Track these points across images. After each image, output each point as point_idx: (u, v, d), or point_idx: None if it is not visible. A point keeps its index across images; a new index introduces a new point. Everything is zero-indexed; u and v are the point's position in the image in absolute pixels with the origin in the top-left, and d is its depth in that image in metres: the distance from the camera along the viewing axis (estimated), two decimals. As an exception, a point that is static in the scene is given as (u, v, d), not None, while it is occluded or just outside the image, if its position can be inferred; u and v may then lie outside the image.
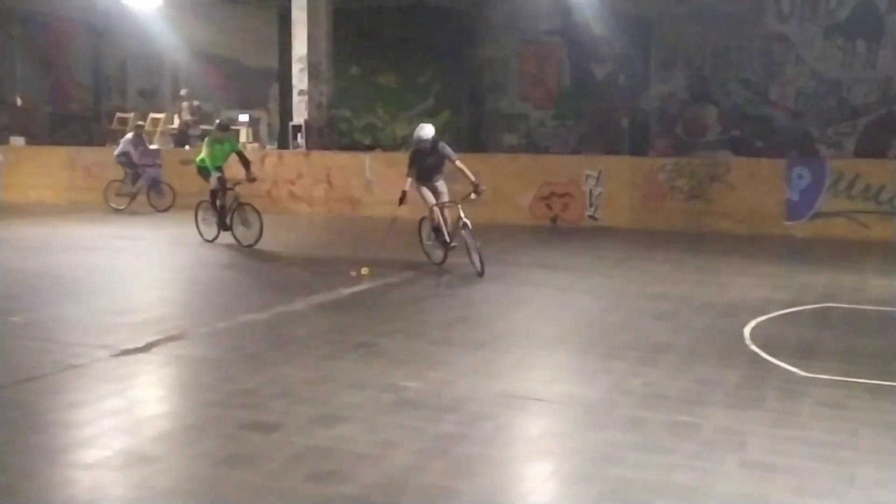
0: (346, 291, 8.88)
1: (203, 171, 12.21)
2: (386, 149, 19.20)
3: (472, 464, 4.40)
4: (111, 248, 12.08)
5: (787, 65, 17.13)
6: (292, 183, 16.43)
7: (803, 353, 6.47)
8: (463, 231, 9.57)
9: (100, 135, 21.90)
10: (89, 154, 18.80)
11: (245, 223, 11.80)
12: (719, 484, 4.16)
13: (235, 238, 11.92)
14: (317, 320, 7.74)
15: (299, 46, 16.81)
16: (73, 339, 6.81)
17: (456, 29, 19.64)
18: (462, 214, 9.59)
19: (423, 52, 19.99)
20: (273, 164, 16.56)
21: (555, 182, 14.90)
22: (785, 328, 7.34)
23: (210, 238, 12.21)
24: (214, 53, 21.96)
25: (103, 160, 18.42)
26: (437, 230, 9.97)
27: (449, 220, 9.91)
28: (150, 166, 16.72)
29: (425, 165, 9.88)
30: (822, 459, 4.45)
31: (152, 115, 20.98)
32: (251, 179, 12.04)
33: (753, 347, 6.66)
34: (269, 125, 21.51)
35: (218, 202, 12.03)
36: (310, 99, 16.78)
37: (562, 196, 14.85)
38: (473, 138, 19.65)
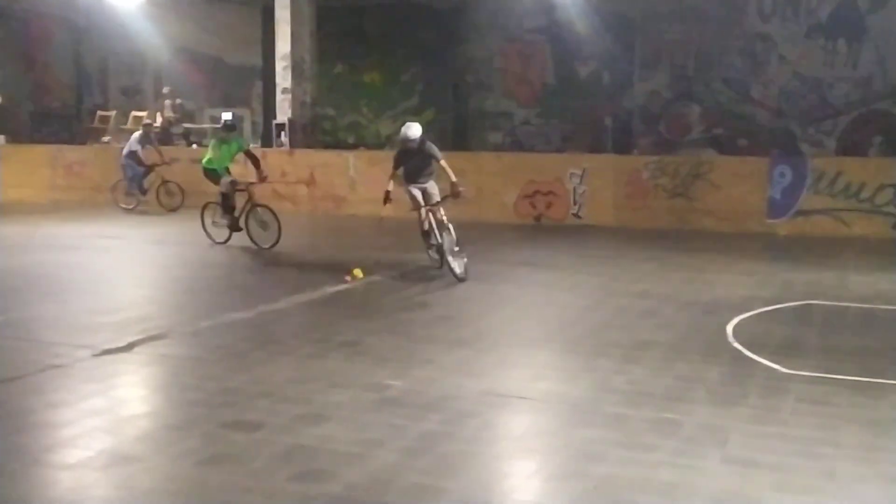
0: (331, 290, 8.86)
1: (210, 174, 11.77)
2: (370, 147, 19.19)
3: (457, 462, 4.41)
4: (93, 248, 11.99)
5: (769, 64, 17.24)
6: (276, 181, 16.35)
7: (785, 350, 6.51)
8: (443, 234, 9.32)
9: (81, 133, 21.74)
10: (71, 152, 18.67)
11: (262, 225, 11.35)
12: (702, 480, 4.19)
13: (253, 241, 11.43)
14: (301, 319, 7.72)
15: (283, 44, 16.75)
16: (54, 339, 6.76)
17: (440, 27, 19.63)
18: (443, 216, 9.40)
19: (408, 50, 19.97)
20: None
21: (539, 180, 14.93)
22: (767, 325, 7.39)
23: (221, 241, 11.78)
24: (197, 51, 21.84)
25: (85, 158, 18.34)
26: (425, 234, 9.63)
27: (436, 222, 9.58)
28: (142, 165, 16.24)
29: (412, 166, 9.59)
30: (803, 455, 4.48)
31: (134, 113, 20.83)
32: (262, 178, 11.66)
33: (736, 345, 6.70)
34: (253, 123, 21.43)
35: (229, 204, 11.64)
36: (294, 97, 16.73)
37: (546, 194, 14.88)
38: (458, 137, 19.65)
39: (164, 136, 19.52)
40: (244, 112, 21.31)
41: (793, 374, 5.91)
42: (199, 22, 21.24)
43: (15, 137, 20.40)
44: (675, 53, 17.94)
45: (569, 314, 7.95)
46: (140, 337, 6.77)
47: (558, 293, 8.92)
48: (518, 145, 19.24)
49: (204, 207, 12.11)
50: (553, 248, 12.16)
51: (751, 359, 6.30)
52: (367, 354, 6.40)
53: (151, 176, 16.25)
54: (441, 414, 5.07)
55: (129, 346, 6.52)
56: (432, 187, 9.73)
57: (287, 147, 16.58)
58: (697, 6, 17.51)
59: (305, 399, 5.32)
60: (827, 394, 5.50)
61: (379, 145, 19.59)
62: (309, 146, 16.85)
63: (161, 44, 21.36)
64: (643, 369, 6.04)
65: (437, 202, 9.58)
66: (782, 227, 13.49)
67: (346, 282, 9.11)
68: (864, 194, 13.16)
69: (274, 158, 16.51)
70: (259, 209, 11.47)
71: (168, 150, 17.17)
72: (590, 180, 14.61)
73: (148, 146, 16.30)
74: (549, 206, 14.86)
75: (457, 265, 9.25)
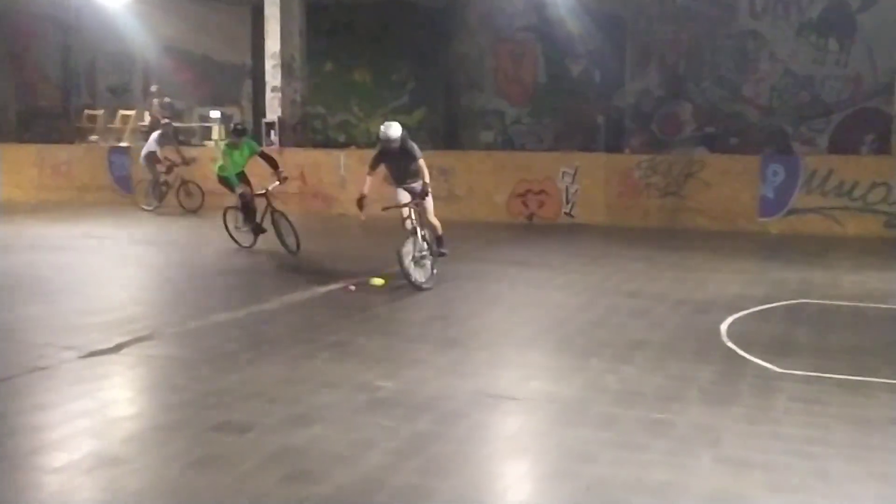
0: (321, 290, 8.81)
1: (225, 181, 11.28)
2: (360, 146, 19.13)
3: (448, 463, 4.37)
4: (80, 248, 11.91)
5: (760, 62, 17.27)
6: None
7: (777, 349, 6.50)
8: (410, 238, 8.78)
9: (69, 132, 21.63)
10: (58, 152, 18.56)
11: (286, 231, 10.97)
12: (694, 480, 4.17)
13: (285, 246, 10.94)
14: (290, 319, 7.67)
15: (272, 43, 16.68)
16: (40, 340, 6.70)
17: (431, 25, 19.61)
18: (416, 216, 8.90)
19: (398, 48, 19.93)
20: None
21: (531, 179, 14.91)
22: (759, 324, 7.38)
23: (248, 244, 11.34)
24: (186, 50, 21.75)
25: (72, 158, 18.23)
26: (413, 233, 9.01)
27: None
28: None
29: (396, 167, 9.19)
30: (795, 454, 4.47)
31: (122, 112, 20.75)
32: (282, 179, 11.07)
33: (728, 344, 6.68)
34: (243, 121, 21.36)
35: (250, 209, 11.22)
36: (283, 96, 16.67)
37: (538, 193, 14.87)
38: (449, 135, 19.63)
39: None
40: (234, 111, 21.24)
41: (785, 373, 5.90)
42: (187, 20, 21.14)
43: (1, 137, 20.30)
44: (666, 52, 17.95)
45: (560, 313, 7.92)
46: (127, 338, 6.71)
47: (550, 292, 8.89)
48: (510, 144, 19.24)
49: (225, 212, 11.68)
50: (545, 247, 12.14)
51: (743, 358, 6.28)
52: (357, 355, 6.36)
53: (170, 177, 15.97)
54: (432, 414, 5.04)
55: (117, 348, 6.46)
56: (420, 186, 9.24)
57: (277, 146, 16.52)
58: (688, 5, 17.53)
59: (295, 400, 5.28)
60: (819, 393, 5.49)
61: (370, 144, 19.49)
62: (299, 145, 16.79)
63: (149, 42, 21.28)
64: (635, 369, 6.02)
65: (407, 203, 8.98)
66: (774, 225, 13.50)
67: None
68: (856, 192, 13.18)
69: (264, 157, 16.45)
70: (275, 214, 10.99)
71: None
72: (582, 179, 14.60)
73: (167, 146, 16.04)
74: (540, 205, 14.85)
75: (417, 272, 8.68)
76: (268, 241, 11.31)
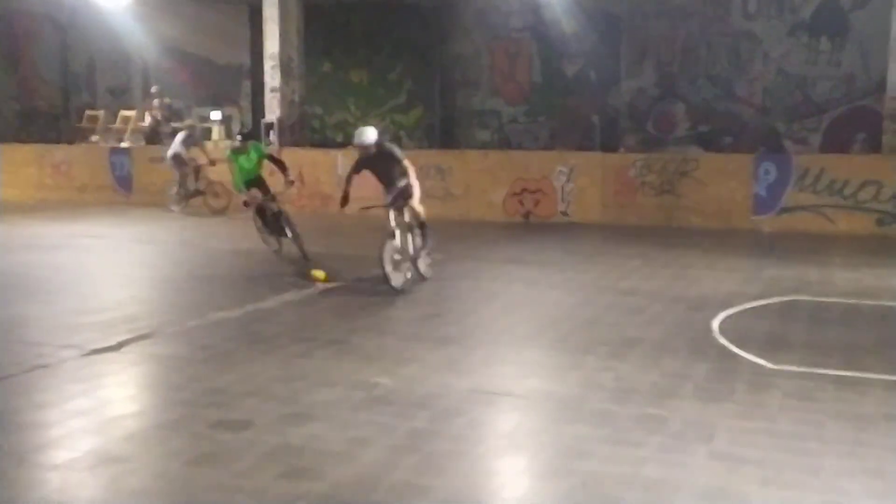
0: (318, 289, 8.84)
1: (234, 187, 10.99)
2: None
3: (444, 460, 4.41)
4: (79, 247, 11.93)
5: (753, 61, 17.30)
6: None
7: (771, 346, 6.55)
8: (389, 239, 8.49)
9: (69, 132, 21.62)
10: (58, 152, 18.57)
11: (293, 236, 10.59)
12: (688, 476, 4.21)
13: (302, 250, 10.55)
14: (288, 318, 7.71)
15: (271, 43, 16.70)
16: (39, 339, 6.73)
17: (426, 25, 19.62)
18: (392, 218, 8.61)
19: (395, 48, 19.94)
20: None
21: (527, 178, 14.94)
22: (753, 321, 7.43)
23: (276, 248, 10.95)
24: (185, 50, 21.73)
25: (72, 158, 18.25)
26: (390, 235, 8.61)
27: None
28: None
29: (379, 172, 8.90)
30: (788, 451, 4.51)
31: (122, 112, 20.75)
32: (289, 182, 10.69)
33: (722, 341, 6.73)
34: (241, 123, 21.35)
35: (264, 215, 10.81)
36: (282, 96, 16.69)
37: (534, 192, 14.90)
38: (445, 135, 19.65)
39: (152, 136, 19.47)
40: (232, 111, 21.22)
41: (779, 369, 5.95)
42: (186, 21, 21.13)
43: (1, 137, 20.28)
44: (660, 51, 17.98)
45: (556, 311, 7.97)
46: (127, 336, 6.75)
47: (545, 290, 8.94)
48: (506, 143, 19.25)
49: (253, 217, 11.25)
50: (541, 245, 12.18)
51: (737, 355, 6.33)
52: (354, 353, 6.40)
53: (200, 181, 15.78)
54: (428, 412, 5.08)
55: (116, 346, 6.50)
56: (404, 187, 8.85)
57: (276, 146, 16.54)
58: (683, 4, 17.56)
59: (292, 398, 5.32)
60: (812, 389, 5.53)
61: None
62: (297, 145, 16.81)
63: (149, 43, 21.24)
64: (630, 366, 6.06)
65: (387, 204, 8.70)
66: (767, 223, 13.56)
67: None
68: (848, 191, 13.23)
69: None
70: (283, 216, 10.68)
71: (156, 150, 17.09)
72: (577, 178, 14.64)
73: (193, 147, 15.91)
74: (536, 203, 14.89)
75: (394, 276, 8.42)
76: (260, 240, 11.32)
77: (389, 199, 8.80)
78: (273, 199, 10.75)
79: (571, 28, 18.07)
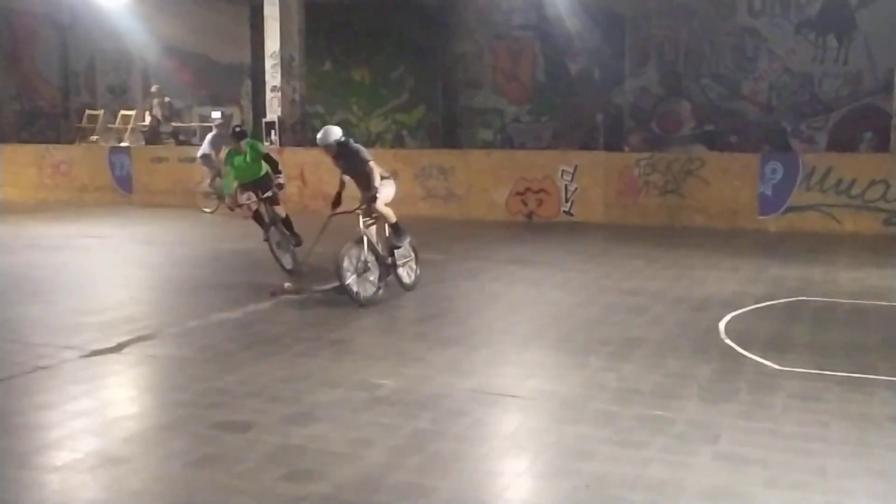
0: (319, 289, 8.81)
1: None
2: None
3: (447, 461, 4.39)
4: (80, 248, 11.92)
5: (759, 60, 17.26)
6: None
7: (776, 347, 6.51)
8: (353, 248, 8.09)
9: (69, 132, 21.62)
10: (58, 152, 18.57)
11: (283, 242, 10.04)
12: (692, 477, 4.18)
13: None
14: (290, 318, 7.68)
15: (272, 42, 16.67)
16: (40, 340, 6.71)
17: (429, 23, 19.60)
18: (361, 224, 8.21)
19: (397, 47, 19.93)
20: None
21: (530, 178, 14.91)
22: (758, 322, 7.39)
23: (290, 266, 10.04)
24: (185, 49, 21.73)
25: (72, 158, 18.24)
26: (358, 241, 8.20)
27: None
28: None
29: (349, 173, 8.51)
30: (793, 451, 4.48)
31: (122, 112, 20.76)
32: (279, 185, 9.85)
33: (727, 341, 6.69)
34: (242, 122, 21.35)
35: (262, 219, 10.00)
36: (283, 95, 16.66)
37: (537, 192, 14.86)
38: (448, 134, 19.63)
39: (153, 136, 19.48)
40: (233, 110, 21.23)
41: (784, 370, 5.91)
42: (186, 20, 21.13)
43: (1, 137, 20.28)
44: (664, 50, 17.95)
45: (559, 311, 7.93)
46: (128, 337, 6.73)
47: (549, 290, 8.91)
48: (508, 142, 19.23)
49: (265, 236, 10.49)
50: (544, 245, 12.15)
51: (741, 355, 6.29)
52: (356, 353, 6.38)
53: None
54: (431, 412, 5.05)
55: (117, 347, 6.48)
56: (384, 187, 8.44)
57: (277, 146, 16.52)
58: (687, 2, 17.52)
59: (295, 398, 5.29)
60: (817, 390, 5.50)
61: (369, 143, 19.53)
62: (298, 144, 16.78)
63: (149, 42, 21.25)
64: (633, 366, 6.03)
65: (356, 209, 8.38)
66: (773, 223, 13.51)
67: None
68: (855, 190, 13.18)
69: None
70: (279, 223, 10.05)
71: (156, 150, 17.08)
72: (581, 177, 14.60)
73: (224, 147, 15.76)
74: (540, 203, 14.85)
75: (359, 285, 7.95)
76: (261, 240, 11.26)
77: (364, 203, 8.34)
78: (271, 202, 9.89)
79: (575, 26, 18.04)
